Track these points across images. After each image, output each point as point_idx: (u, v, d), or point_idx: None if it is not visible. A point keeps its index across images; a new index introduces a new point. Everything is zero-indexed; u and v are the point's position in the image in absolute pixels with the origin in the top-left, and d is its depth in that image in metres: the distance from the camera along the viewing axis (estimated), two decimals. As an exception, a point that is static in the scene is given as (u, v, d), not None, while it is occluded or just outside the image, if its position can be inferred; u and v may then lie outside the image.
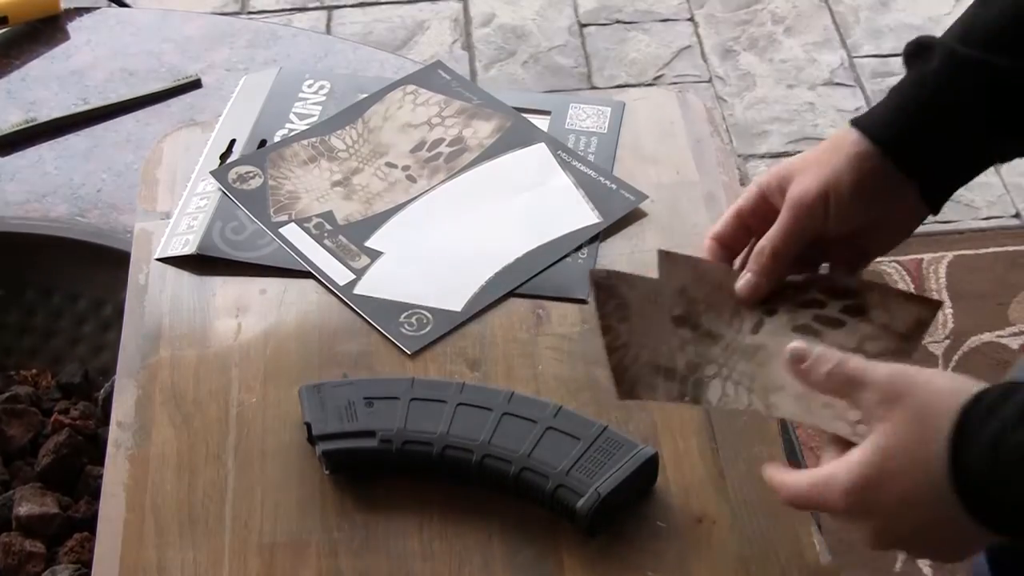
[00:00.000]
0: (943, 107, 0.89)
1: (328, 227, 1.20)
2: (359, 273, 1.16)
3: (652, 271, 0.96)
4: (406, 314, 1.13)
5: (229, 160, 1.27)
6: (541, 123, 1.32)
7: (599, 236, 1.20)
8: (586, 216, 1.21)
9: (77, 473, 1.18)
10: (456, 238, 1.20)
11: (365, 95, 1.35)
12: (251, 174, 1.25)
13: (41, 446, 1.19)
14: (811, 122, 2.66)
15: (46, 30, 1.56)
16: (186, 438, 1.04)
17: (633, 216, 1.21)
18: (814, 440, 2.05)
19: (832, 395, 0.82)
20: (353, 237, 1.19)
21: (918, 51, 0.91)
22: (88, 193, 1.35)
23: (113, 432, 1.05)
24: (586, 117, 1.33)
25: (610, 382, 0.93)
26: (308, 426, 1.01)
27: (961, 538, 0.77)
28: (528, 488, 0.97)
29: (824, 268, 0.99)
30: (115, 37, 1.56)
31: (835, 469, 0.78)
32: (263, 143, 1.29)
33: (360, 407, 1.02)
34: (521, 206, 1.23)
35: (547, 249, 1.18)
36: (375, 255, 1.18)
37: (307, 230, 1.20)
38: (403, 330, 1.11)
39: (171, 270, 1.18)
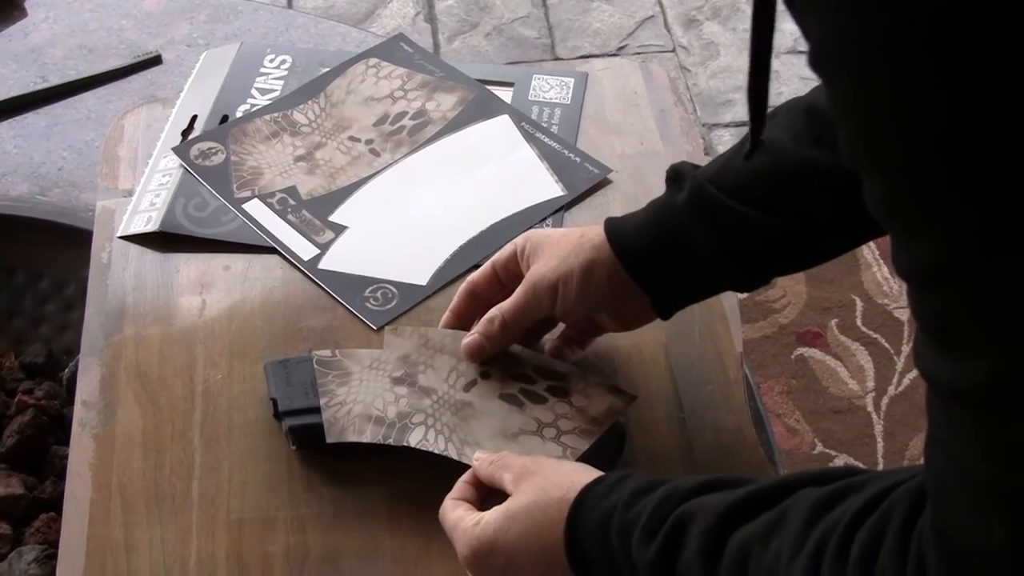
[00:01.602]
0: (681, 236, 0.94)
1: (292, 202, 1.19)
2: (323, 248, 1.15)
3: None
4: (371, 288, 1.12)
5: (191, 136, 1.27)
6: (504, 95, 1.31)
7: (564, 207, 1.20)
8: (550, 189, 1.21)
9: (42, 453, 1.17)
10: (420, 211, 1.19)
11: (327, 69, 1.35)
12: (213, 150, 1.24)
13: (5, 427, 1.18)
14: (775, 90, 2.64)
15: (3, 7, 1.55)
16: (152, 416, 1.04)
17: (598, 186, 1.21)
18: (782, 408, 2.06)
19: (487, 481, 0.90)
20: (317, 212, 1.19)
21: (675, 178, 0.97)
22: (49, 172, 1.34)
23: (78, 411, 1.04)
24: (549, 88, 1.32)
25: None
26: (274, 402, 1.01)
27: None
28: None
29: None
30: (73, 14, 1.54)
31: (473, 518, 0.86)
32: (225, 119, 1.29)
33: (326, 382, 1.01)
34: (485, 179, 1.22)
35: (512, 221, 1.18)
36: (339, 229, 1.17)
37: (270, 205, 1.19)
38: (368, 305, 1.11)
39: (134, 248, 1.17)
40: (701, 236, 0.93)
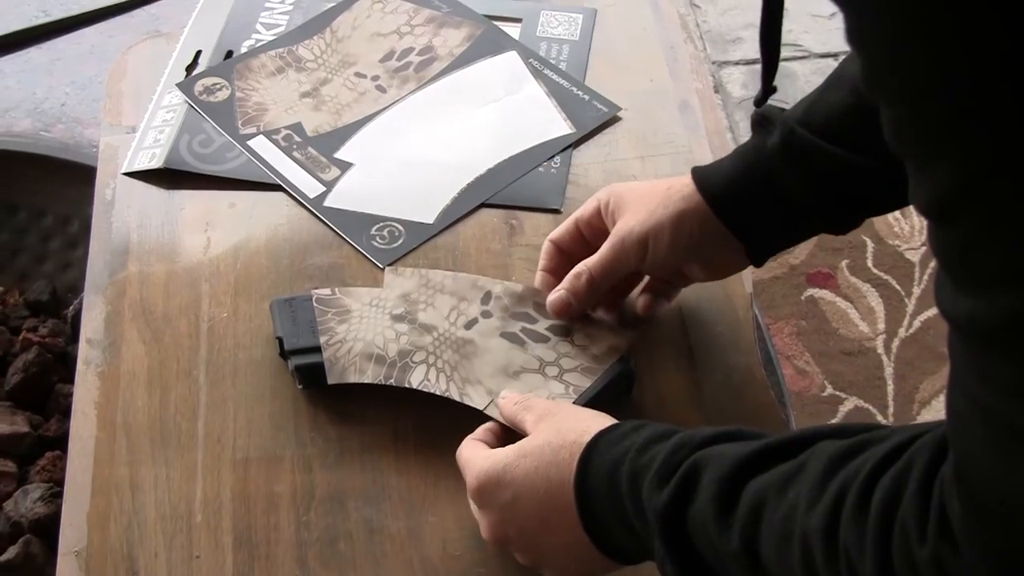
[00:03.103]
0: (774, 179, 0.93)
1: (297, 139, 1.18)
2: (329, 185, 1.14)
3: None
4: (377, 226, 1.11)
5: (195, 72, 1.25)
6: (512, 31, 1.30)
7: (572, 145, 1.18)
8: (559, 126, 1.19)
9: (47, 391, 1.17)
10: (427, 149, 1.18)
11: (333, 4, 1.33)
12: (218, 86, 1.23)
13: (10, 365, 1.18)
14: (785, 28, 2.63)
15: (5, -59, 1.53)
16: (156, 354, 1.03)
17: (606, 124, 1.20)
18: (791, 349, 2.05)
19: (510, 421, 0.91)
20: (323, 149, 1.17)
21: (763, 122, 0.95)
22: (52, 107, 1.33)
23: (83, 349, 1.04)
24: (557, 24, 1.31)
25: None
26: (280, 340, 1.00)
27: (577, 555, 0.82)
28: (503, 400, 0.97)
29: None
30: (76, -53, 1.53)
31: (486, 452, 0.87)
32: (229, 54, 1.27)
33: (332, 321, 1.01)
34: (493, 116, 1.21)
35: (520, 159, 1.17)
36: (345, 167, 1.16)
37: (276, 142, 1.18)
38: (374, 243, 1.10)
39: (138, 184, 1.16)
40: (794, 179, 0.92)
